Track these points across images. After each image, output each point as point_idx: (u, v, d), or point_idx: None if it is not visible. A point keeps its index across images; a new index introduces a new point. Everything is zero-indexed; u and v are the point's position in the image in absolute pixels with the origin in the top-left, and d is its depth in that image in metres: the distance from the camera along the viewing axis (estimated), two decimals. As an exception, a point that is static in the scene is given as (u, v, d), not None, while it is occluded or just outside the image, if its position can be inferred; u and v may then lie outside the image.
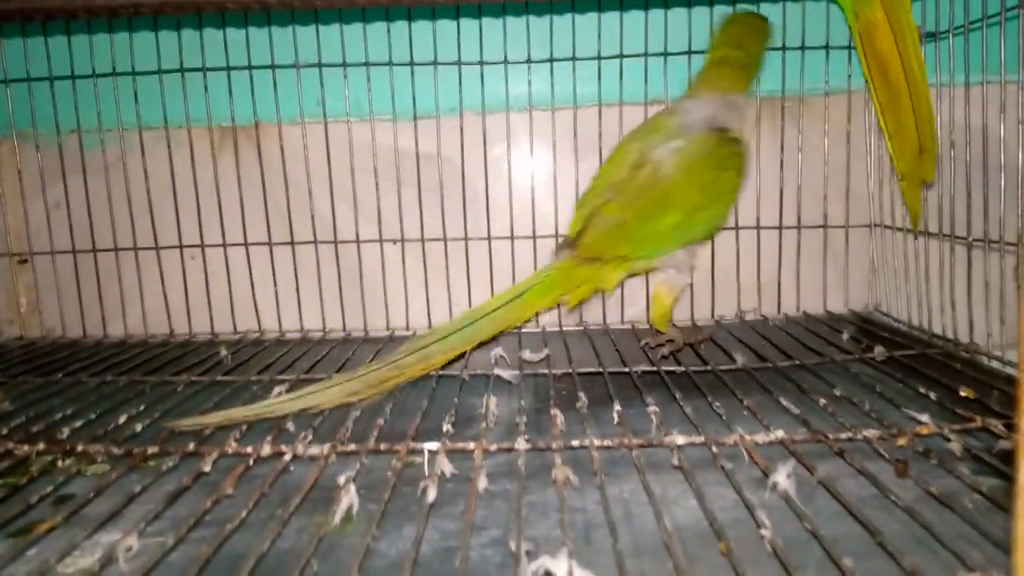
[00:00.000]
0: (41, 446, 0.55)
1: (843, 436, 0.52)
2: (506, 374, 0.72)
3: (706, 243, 0.88)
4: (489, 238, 0.90)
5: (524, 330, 0.90)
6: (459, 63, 0.87)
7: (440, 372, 0.73)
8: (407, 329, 0.91)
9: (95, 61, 0.87)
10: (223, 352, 0.82)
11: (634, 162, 0.69)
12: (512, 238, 0.90)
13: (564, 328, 0.89)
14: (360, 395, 0.63)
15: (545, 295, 0.69)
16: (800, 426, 0.54)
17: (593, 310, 0.91)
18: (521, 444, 0.52)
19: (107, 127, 0.89)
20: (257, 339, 0.90)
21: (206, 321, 0.92)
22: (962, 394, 0.58)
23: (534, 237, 0.89)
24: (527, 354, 0.75)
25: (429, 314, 0.91)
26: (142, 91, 0.87)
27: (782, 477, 0.44)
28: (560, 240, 0.73)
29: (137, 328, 0.92)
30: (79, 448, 0.54)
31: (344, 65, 0.87)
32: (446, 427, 0.56)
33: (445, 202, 0.89)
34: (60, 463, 0.55)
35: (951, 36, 0.73)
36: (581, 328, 0.89)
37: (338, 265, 0.90)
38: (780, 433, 0.51)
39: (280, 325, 0.92)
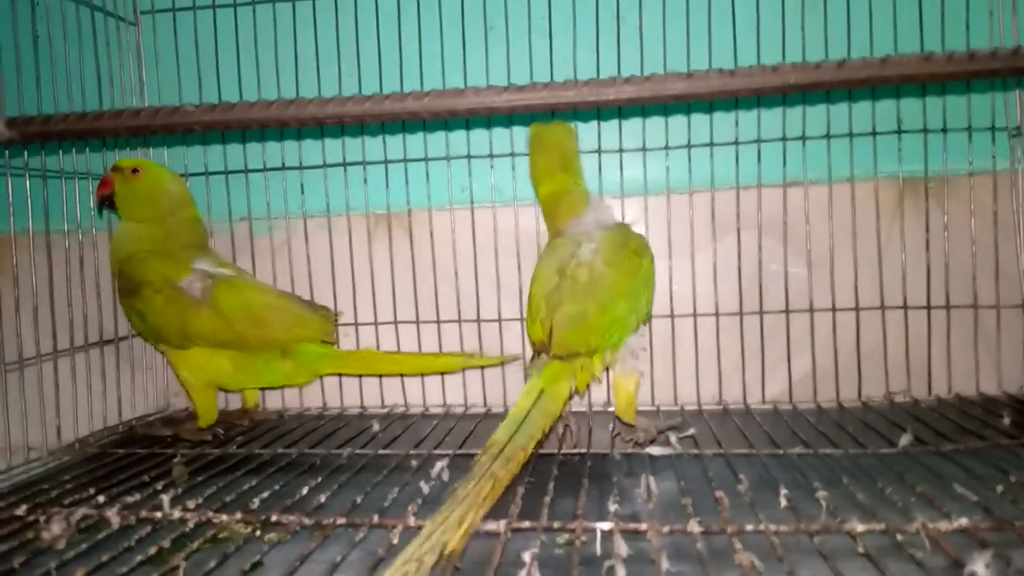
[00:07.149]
0: (238, 515, 0.59)
1: (1032, 526, 0.50)
2: (659, 451, 0.73)
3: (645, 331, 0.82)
4: (627, 317, 0.92)
5: (663, 407, 0.91)
6: (599, 151, 0.92)
7: (591, 450, 0.75)
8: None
9: (266, 156, 0.96)
10: (375, 426, 0.86)
11: (563, 270, 0.74)
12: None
13: (704, 408, 0.90)
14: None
15: (555, 400, 0.71)
16: (982, 512, 0.53)
17: (733, 388, 0.91)
18: (694, 527, 0.53)
19: (275, 215, 0.97)
20: (403, 413, 0.94)
21: (356, 395, 0.97)
22: None
23: (672, 316, 0.91)
24: (671, 435, 0.76)
25: (567, 391, 0.93)
26: (307, 183, 0.96)
27: (980, 567, 0.43)
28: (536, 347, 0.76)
29: (293, 402, 0.98)
30: (273, 518, 0.58)
31: (491, 156, 0.92)
32: (612, 506, 0.57)
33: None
34: (257, 532, 0.59)
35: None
36: (721, 408, 0.90)
37: (480, 342, 0.94)
38: (964, 520, 0.51)
39: (424, 399, 0.96)
